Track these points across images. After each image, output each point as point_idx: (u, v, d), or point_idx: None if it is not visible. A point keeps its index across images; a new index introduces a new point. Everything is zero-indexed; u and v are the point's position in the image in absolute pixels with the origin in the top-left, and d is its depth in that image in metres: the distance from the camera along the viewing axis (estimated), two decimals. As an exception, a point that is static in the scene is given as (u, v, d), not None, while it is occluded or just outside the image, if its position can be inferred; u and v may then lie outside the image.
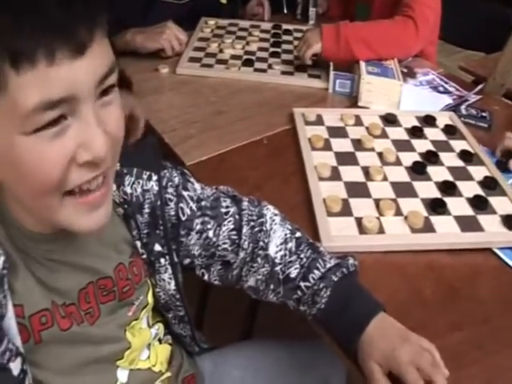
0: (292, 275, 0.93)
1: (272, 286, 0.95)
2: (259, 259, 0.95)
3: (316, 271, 0.92)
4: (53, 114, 0.60)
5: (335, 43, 1.65)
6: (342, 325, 0.88)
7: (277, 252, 0.95)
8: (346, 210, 1.17)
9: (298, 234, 0.98)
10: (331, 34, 1.65)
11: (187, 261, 0.96)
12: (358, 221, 1.14)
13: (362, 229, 1.12)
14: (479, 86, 1.72)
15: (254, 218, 0.97)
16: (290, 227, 0.98)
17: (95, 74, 0.62)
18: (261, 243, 0.95)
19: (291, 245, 0.95)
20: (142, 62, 1.75)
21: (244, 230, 0.95)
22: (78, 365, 0.80)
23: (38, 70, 0.58)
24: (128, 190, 0.86)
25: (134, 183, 0.86)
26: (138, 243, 0.88)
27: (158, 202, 0.88)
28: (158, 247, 0.89)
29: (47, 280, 0.75)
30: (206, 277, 0.99)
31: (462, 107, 1.60)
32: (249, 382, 1.07)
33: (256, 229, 0.96)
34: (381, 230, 1.12)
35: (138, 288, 0.89)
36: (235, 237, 0.95)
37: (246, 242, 0.95)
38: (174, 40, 1.80)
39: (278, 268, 0.94)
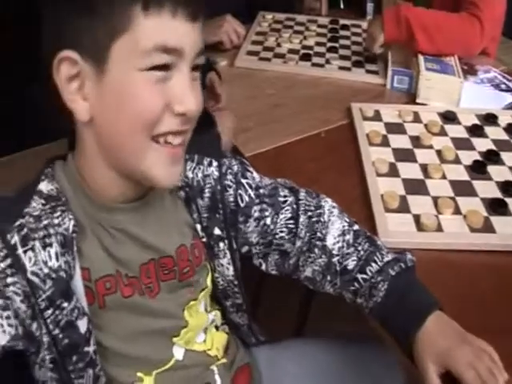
0: (349, 267, 0.93)
1: (329, 277, 0.95)
2: (316, 250, 0.95)
3: (374, 264, 0.91)
4: (165, 58, 0.71)
5: (396, 24, 1.64)
6: (399, 319, 0.87)
7: (334, 244, 0.94)
8: (403, 207, 1.16)
9: (356, 227, 0.98)
10: (391, 14, 1.64)
11: (245, 248, 0.97)
12: (416, 218, 1.13)
13: (419, 226, 1.11)
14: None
15: (312, 208, 0.97)
16: (347, 220, 0.98)
17: (197, 42, 0.75)
18: (318, 234, 0.95)
19: (349, 237, 0.95)
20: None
21: (301, 219, 0.95)
22: (136, 333, 0.84)
23: (161, 19, 0.70)
24: (189, 174, 0.90)
25: (195, 168, 0.90)
26: (199, 226, 0.90)
27: (218, 187, 0.90)
28: (217, 231, 0.91)
29: (112, 249, 0.80)
30: (263, 267, 0.99)
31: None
32: (302, 379, 1.07)
33: (314, 219, 0.96)
34: (439, 228, 1.11)
35: (198, 270, 0.91)
36: (292, 226, 0.95)
37: (303, 232, 0.95)
38: (232, 33, 1.82)
39: (335, 259, 0.94)
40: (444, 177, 1.26)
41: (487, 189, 1.23)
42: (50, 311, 0.72)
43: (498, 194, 1.21)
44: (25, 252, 0.71)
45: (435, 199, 1.18)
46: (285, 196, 0.97)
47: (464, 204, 1.18)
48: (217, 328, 0.99)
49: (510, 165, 1.32)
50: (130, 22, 0.69)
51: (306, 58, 1.82)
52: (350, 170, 1.29)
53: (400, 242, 1.07)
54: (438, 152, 1.35)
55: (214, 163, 0.91)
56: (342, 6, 2.45)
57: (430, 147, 1.37)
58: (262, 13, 2.14)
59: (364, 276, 0.91)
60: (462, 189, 1.23)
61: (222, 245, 0.92)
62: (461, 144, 1.39)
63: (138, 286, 0.83)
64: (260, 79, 1.70)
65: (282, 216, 0.95)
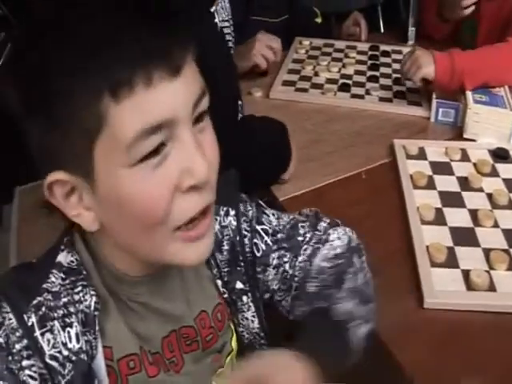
0: (308, 290, 0.85)
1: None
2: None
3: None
4: (154, 140, 0.60)
5: (449, 75, 1.54)
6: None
7: (315, 265, 0.87)
8: (451, 261, 1.07)
9: (339, 261, 0.87)
10: (445, 64, 1.54)
11: (267, 296, 0.91)
12: (465, 274, 1.04)
13: (469, 284, 1.02)
14: None
15: (322, 237, 0.89)
16: (338, 251, 0.88)
17: (191, 94, 0.63)
18: (312, 258, 0.88)
19: (325, 264, 0.86)
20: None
21: (308, 251, 0.88)
22: None
23: (136, 96, 0.58)
24: None
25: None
26: (219, 282, 0.85)
27: (238, 238, 0.85)
28: (239, 285, 0.86)
29: (134, 324, 0.75)
30: (289, 313, 0.91)
31: None
32: None
33: (316, 246, 0.89)
34: (491, 287, 1.01)
35: (222, 334, 0.85)
36: (308, 266, 0.88)
37: (303, 262, 0.88)
38: (265, 51, 1.69)
39: (307, 279, 0.86)
40: (496, 225, 1.16)
41: (545, 239, 1.13)
42: None
43: (557, 245, 1.11)
44: (42, 334, 0.66)
45: (487, 252, 1.08)
46: (304, 234, 0.89)
47: (520, 257, 1.07)
48: None
49: None
50: (102, 117, 0.59)
51: (345, 88, 1.74)
52: (394, 217, 1.20)
53: (448, 304, 0.98)
54: (489, 195, 1.25)
55: (232, 212, 0.85)
56: (382, 30, 2.39)
57: (480, 190, 1.27)
58: (298, 38, 2.08)
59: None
60: (517, 239, 1.12)
61: (245, 298, 0.86)
62: (514, 186, 1.29)
63: (162, 362, 0.77)
64: (296, 112, 1.63)
65: (300, 258, 0.88)
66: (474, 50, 1.61)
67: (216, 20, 1.28)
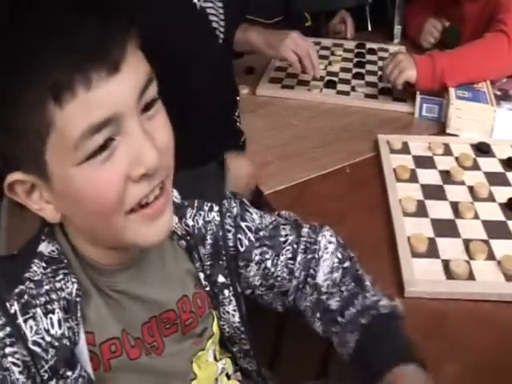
0: (332, 307, 0.88)
1: (318, 315, 0.90)
2: (308, 287, 0.91)
3: (352, 308, 0.85)
4: (100, 137, 0.61)
5: (431, 77, 1.57)
6: (367, 366, 0.81)
7: (324, 281, 0.89)
8: (432, 251, 1.09)
9: (347, 264, 0.91)
10: (426, 67, 1.57)
11: (248, 291, 0.94)
12: (445, 264, 1.06)
13: (449, 273, 1.04)
14: None
15: (310, 246, 0.92)
16: (340, 256, 0.92)
17: (134, 87, 0.63)
18: (311, 271, 0.91)
19: (336, 275, 0.90)
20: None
21: (299, 258, 0.91)
22: None
23: (77, 98, 0.59)
24: (190, 222, 0.85)
25: (195, 215, 0.86)
26: (202, 275, 0.87)
27: (220, 233, 0.87)
28: (221, 278, 0.88)
29: (115, 311, 0.76)
30: (265, 303, 0.96)
31: None
32: None
33: (309, 256, 0.92)
34: (470, 276, 1.03)
35: (202, 320, 0.87)
36: (291, 265, 0.92)
37: (299, 271, 0.91)
38: (297, 47, 1.63)
39: (323, 297, 0.89)
40: (476, 216, 1.19)
41: (524, 230, 1.15)
42: (53, 382, 0.68)
43: (536, 236, 1.13)
44: (25, 321, 0.67)
45: (467, 242, 1.11)
46: (286, 235, 0.92)
47: (498, 248, 1.10)
48: (228, 376, 0.95)
49: (550, 202, 1.23)
50: (49, 120, 0.60)
51: (330, 85, 1.76)
52: (377, 209, 1.22)
53: (428, 292, 1.00)
54: (470, 188, 1.27)
55: (215, 208, 0.87)
56: (370, 29, 2.41)
57: (462, 183, 1.30)
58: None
59: (342, 320, 0.86)
60: (497, 230, 1.15)
61: (226, 292, 0.88)
62: (495, 179, 1.31)
63: (144, 347, 0.79)
64: (282, 108, 1.65)
65: (282, 257, 0.91)
66: (453, 50, 1.63)
67: (195, 0, 1.27)
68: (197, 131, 1.12)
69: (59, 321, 0.69)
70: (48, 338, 0.68)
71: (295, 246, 0.92)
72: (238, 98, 1.40)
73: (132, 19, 0.64)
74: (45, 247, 0.73)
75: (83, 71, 0.58)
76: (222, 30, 1.43)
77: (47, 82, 0.58)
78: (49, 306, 0.69)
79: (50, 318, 0.68)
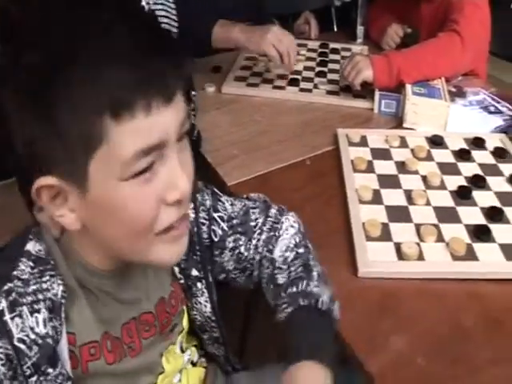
0: (279, 281, 0.93)
1: (271, 286, 0.94)
2: (265, 261, 0.96)
3: (295, 287, 0.90)
4: (148, 159, 0.65)
5: (387, 75, 1.63)
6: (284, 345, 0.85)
7: (279, 257, 0.95)
8: (385, 235, 1.15)
9: (301, 250, 0.96)
10: (383, 66, 1.63)
11: (222, 276, 0.98)
12: (397, 246, 1.12)
13: (400, 255, 1.10)
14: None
15: (274, 224, 0.97)
16: (297, 240, 0.97)
17: (179, 118, 0.68)
18: (270, 246, 0.96)
19: (289, 254, 0.95)
20: (189, 81, 1.76)
21: (263, 237, 0.96)
22: None
23: (136, 120, 0.63)
24: None
25: None
26: (176, 269, 0.90)
27: (195, 229, 0.90)
28: (195, 272, 0.91)
29: (99, 311, 0.79)
30: (237, 284, 1.01)
31: (512, 129, 1.57)
32: None
33: (271, 233, 0.97)
34: (420, 257, 1.10)
35: (175, 318, 0.91)
36: (259, 245, 0.97)
37: (261, 247, 0.96)
38: (277, 42, 1.67)
39: (276, 271, 0.94)
40: (428, 203, 1.25)
41: (471, 215, 1.22)
42: (34, 378, 0.71)
43: (482, 221, 1.20)
44: (12, 318, 0.70)
45: (418, 226, 1.17)
46: (256, 219, 0.97)
47: (447, 231, 1.17)
48: (193, 364, 0.99)
49: (496, 190, 1.31)
50: (102, 134, 0.63)
51: (294, 83, 1.82)
52: (335, 198, 1.28)
53: (380, 272, 1.06)
54: (424, 178, 1.34)
55: (191, 205, 0.90)
56: (335, 30, 2.48)
57: (416, 173, 1.36)
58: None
59: (284, 295, 0.90)
60: (446, 215, 1.22)
61: (199, 284, 0.92)
62: (447, 169, 1.38)
63: (121, 348, 0.82)
64: (247, 105, 1.70)
65: (254, 241, 0.96)
66: (408, 49, 1.70)
67: (143, 3, 1.30)
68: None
69: (44, 320, 0.71)
70: (33, 336, 0.70)
71: (263, 227, 0.96)
72: (193, 93, 1.44)
73: (184, 59, 0.70)
74: (32, 246, 0.74)
75: (146, 97, 0.63)
76: (175, 30, 1.46)
77: (109, 98, 0.61)
78: (35, 306, 0.71)
79: (36, 317, 0.70)
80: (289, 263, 0.94)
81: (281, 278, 0.93)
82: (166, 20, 1.42)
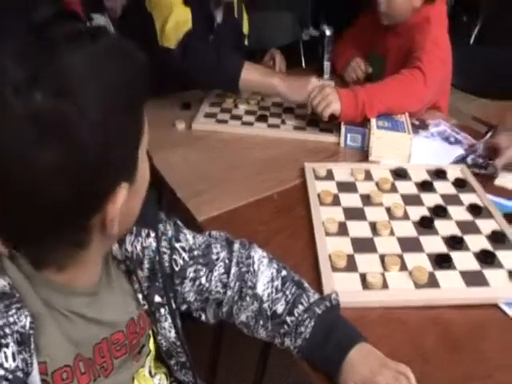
0: (279, 311, 1.00)
1: (261, 322, 1.01)
2: (248, 298, 1.01)
3: (300, 306, 0.99)
4: None
5: (353, 109, 1.69)
6: (325, 352, 0.95)
7: (264, 290, 1.01)
8: (351, 266, 1.19)
9: (284, 273, 1.04)
10: (349, 101, 1.69)
11: (184, 306, 1.02)
12: (363, 276, 1.16)
13: (365, 284, 1.14)
14: (488, 134, 1.73)
15: (243, 259, 1.03)
16: (276, 266, 1.05)
17: None
18: (249, 283, 1.02)
19: (277, 283, 1.02)
20: (160, 117, 1.74)
21: (232, 271, 1.01)
22: None
23: None
24: (129, 247, 0.93)
25: (133, 241, 0.93)
26: (140, 295, 0.94)
27: (157, 257, 0.94)
28: (157, 298, 0.95)
29: (70, 332, 0.79)
30: (203, 317, 1.06)
31: (469, 158, 1.63)
32: None
33: (243, 269, 1.02)
34: (384, 285, 1.14)
35: (143, 339, 0.94)
36: (225, 279, 1.02)
37: (233, 282, 1.01)
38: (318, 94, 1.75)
39: (265, 305, 1.01)
40: (392, 233, 1.30)
41: (433, 244, 1.27)
42: None
43: (443, 249, 1.25)
44: None
45: (382, 257, 1.21)
46: (217, 253, 1.02)
47: (410, 260, 1.21)
48: None
49: (457, 219, 1.36)
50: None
51: (262, 119, 1.87)
52: (301, 231, 1.32)
53: (346, 302, 1.09)
54: (388, 209, 1.39)
55: (152, 234, 0.94)
56: (303, 65, 2.55)
57: (380, 205, 1.41)
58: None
59: (292, 318, 0.98)
60: (409, 245, 1.26)
61: (162, 310, 0.96)
62: (410, 200, 1.43)
63: (94, 368, 0.83)
64: (217, 141, 1.74)
65: (215, 273, 1.01)
66: (373, 84, 1.77)
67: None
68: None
69: (13, 354, 0.69)
70: (1, 372, 0.68)
71: (227, 261, 1.02)
72: None
73: None
74: None
75: None
76: None
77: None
78: (2, 341, 0.69)
79: (4, 352, 0.69)
80: (282, 290, 1.01)
81: (279, 307, 1.00)
82: None
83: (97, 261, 0.81)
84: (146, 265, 0.93)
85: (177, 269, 0.98)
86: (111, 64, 0.68)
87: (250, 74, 1.77)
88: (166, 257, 0.96)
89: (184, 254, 0.99)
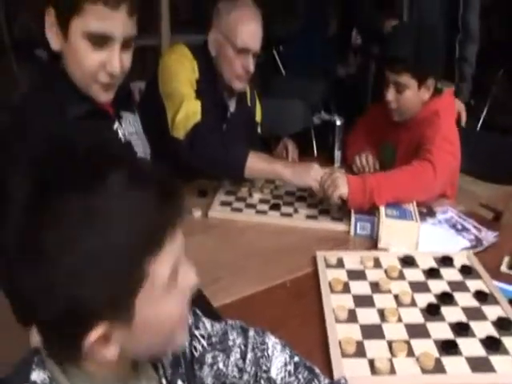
0: None
1: None
2: (262, 381, 1.07)
3: None
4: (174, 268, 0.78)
5: (361, 195, 1.77)
6: None
7: (278, 374, 1.06)
8: (360, 352, 1.24)
9: (296, 359, 1.09)
10: (357, 186, 1.77)
11: None
12: (371, 362, 1.20)
13: (373, 369, 1.18)
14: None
15: (258, 345, 1.09)
16: (289, 352, 1.10)
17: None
18: (263, 367, 1.07)
19: (290, 367, 1.07)
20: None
21: (249, 356, 1.07)
22: None
23: (167, 244, 0.75)
24: None
25: None
26: (164, 381, 0.97)
27: None
28: (180, 383, 0.99)
29: None
30: None
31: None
32: None
33: (258, 354, 1.08)
34: (392, 371, 1.18)
35: None
36: (241, 364, 1.07)
37: (249, 367, 1.07)
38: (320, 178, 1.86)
39: None
40: (400, 320, 1.35)
41: (440, 330, 1.31)
42: None
43: (450, 335, 1.30)
44: None
45: (390, 343, 1.26)
46: (233, 339, 1.08)
47: (417, 346, 1.25)
48: None
49: (463, 305, 1.41)
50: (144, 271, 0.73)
51: (275, 207, 1.95)
52: (313, 318, 1.37)
53: (355, 388, 1.14)
54: (396, 296, 1.44)
55: None
56: (315, 153, 2.65)
57: (389, 292, 1.46)
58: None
59: None
60: (416, 331, 1.31)
61: None
62: (417, 287, 1.48)
63: None
64: (232, 229, 1.83)
65: (232, 358, 1.06)
66: (383, 173, 1.86)
67: (120, 135, 1.44)
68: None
69: None
70: None
71: (243, 347, 1.07)
72: None
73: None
74: (37, 375, 0.77)
75: (173, 226, 0.75)
76: (148, 151, 1.61)
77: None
78: None
79: None
80: (294, 374, 1.06)
81: None
82: (141, 149, 1.56)
83: (112, 363, 0.81)
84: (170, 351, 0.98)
85: (196, 355, 1.03)
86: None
87: (255, 163, 1.86)
88: (186, 344, 1.01)
89: (203, 341, 1.04)
